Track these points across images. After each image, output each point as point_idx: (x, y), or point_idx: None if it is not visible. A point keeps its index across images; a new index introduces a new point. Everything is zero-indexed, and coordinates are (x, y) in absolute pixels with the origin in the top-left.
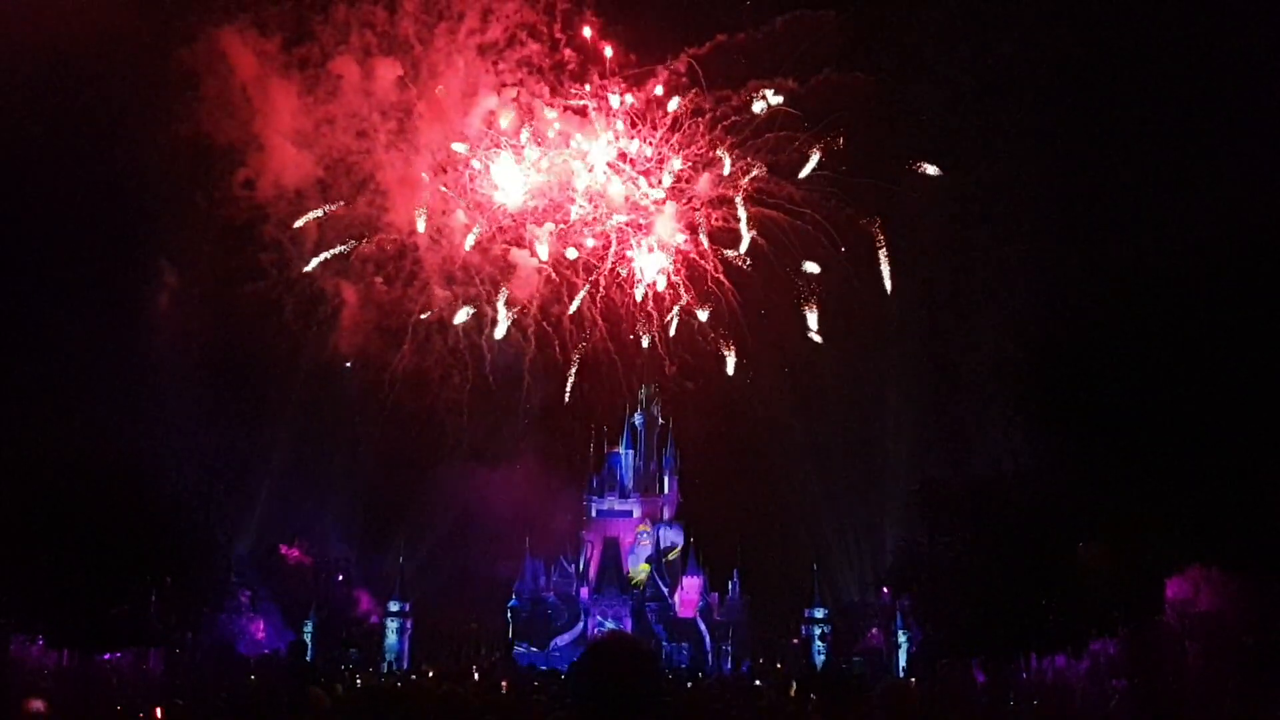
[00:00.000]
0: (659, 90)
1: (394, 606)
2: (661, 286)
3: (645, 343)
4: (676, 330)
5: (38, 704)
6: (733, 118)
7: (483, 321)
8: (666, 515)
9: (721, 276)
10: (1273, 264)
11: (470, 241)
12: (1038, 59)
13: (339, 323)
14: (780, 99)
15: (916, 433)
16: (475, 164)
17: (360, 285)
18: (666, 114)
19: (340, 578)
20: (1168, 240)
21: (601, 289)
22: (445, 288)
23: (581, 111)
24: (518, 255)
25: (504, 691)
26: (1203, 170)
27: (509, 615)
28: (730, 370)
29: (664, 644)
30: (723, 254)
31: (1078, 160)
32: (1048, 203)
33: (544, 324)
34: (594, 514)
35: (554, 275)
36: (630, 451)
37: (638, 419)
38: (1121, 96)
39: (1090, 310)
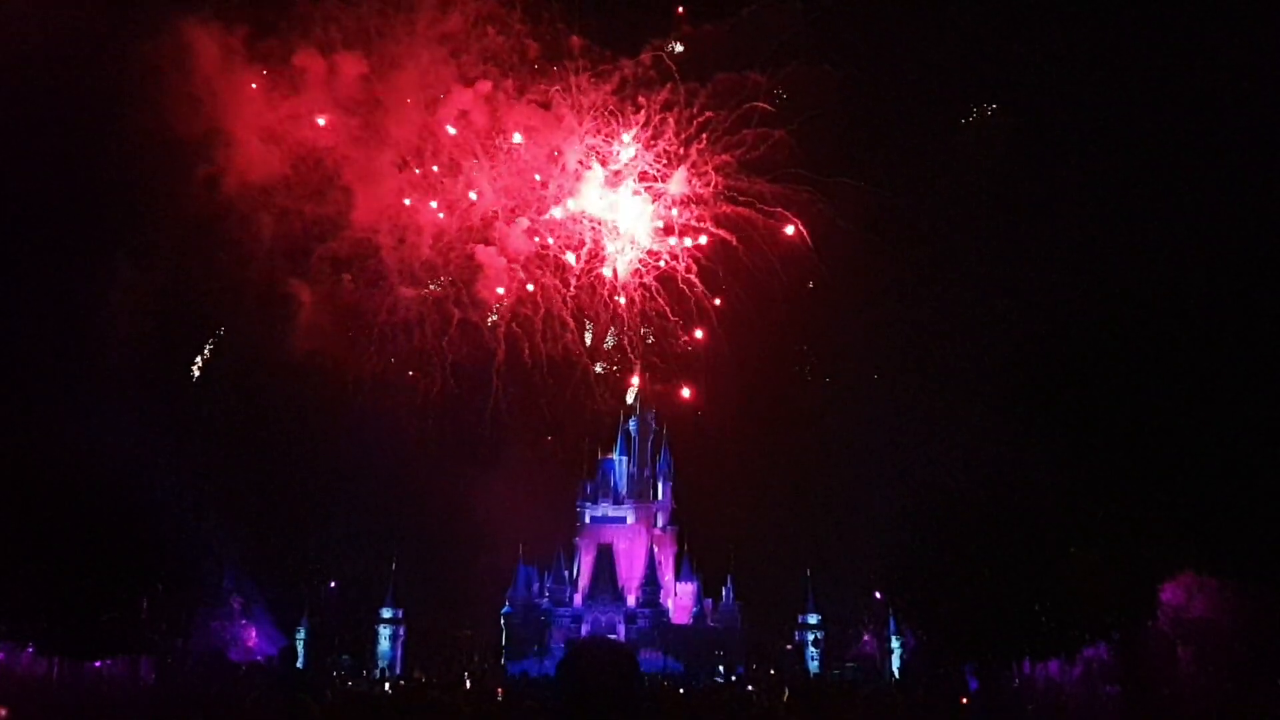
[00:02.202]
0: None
1: (386, 613)
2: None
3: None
4: (651, 332)
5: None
6: (708, 114)
7: (448, 325)
8: (660, 521)
9: (694, 279)
10: (1266, 274)
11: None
12: (1026, 61)
13: (318, 325)
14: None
15: (909, 439)
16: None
17: (324, 285)
18: (635, 109)
19: (333, 584)
20: (1161, 249)
21: (573, 288)
22: (411, 287)
23: (547, 104)
24: (484, 254)
25: (498, 699)
26: (1199, 177)
27: (502, 622)
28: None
29: (658, 650)
30: (696, 255)
31: (1071, 167)
32: (1040, 211)
33: (514, 325)
34: (587, 520)
35: (522, 274)
36: (624, 457)
37: (631, 425)
38: (1109, 101)
39: (1083, 319)
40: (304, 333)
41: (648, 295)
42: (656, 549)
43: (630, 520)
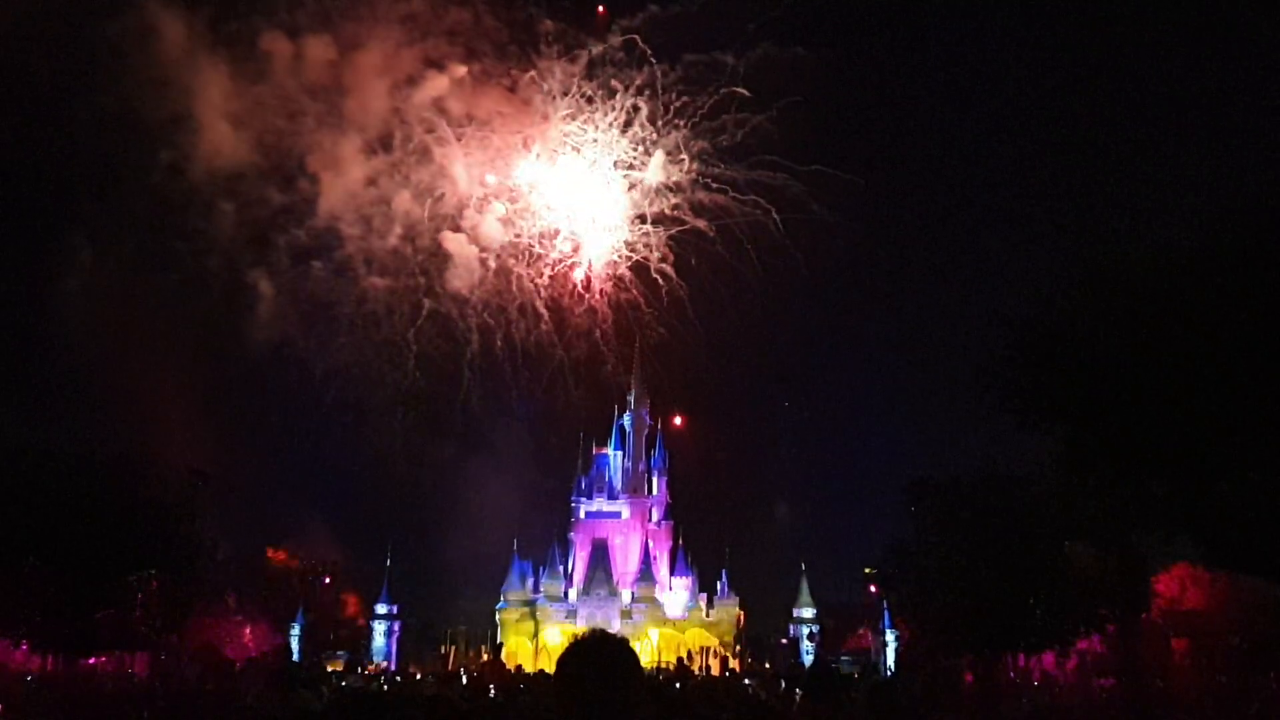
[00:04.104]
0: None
1: (381, 608)
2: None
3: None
4: (624, 321)
5: None
6: (684, 98)
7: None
8: (656, 516)
9: (669, 268)
10: (1265, 261)
11: None
12: (1015, 45)
13: (285, 314)
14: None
15: (904, 432)
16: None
17: (289, 275)
18: (609, 94)
19: (327, 580)
20: (1156, 236)
21: (546, 277)
22: (380, 277)
23: (514, 88)
24: (455, 243)
25: (492, 695)
26: (1192, 157)
27: (497, 617)
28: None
29: (653, 645)
30: (670, 244)
31: (1062, 150)
32: (1032, 194)
33: (485, 315)
34: (582, 515)
35: (493, 263)
36: (619, 452)
37: (626, 420)
38: (1104, 85)
39: (1077, 307)
40: (271, 322)
41: (621, 285)
42: (652, 543)
43: (625, 515)
